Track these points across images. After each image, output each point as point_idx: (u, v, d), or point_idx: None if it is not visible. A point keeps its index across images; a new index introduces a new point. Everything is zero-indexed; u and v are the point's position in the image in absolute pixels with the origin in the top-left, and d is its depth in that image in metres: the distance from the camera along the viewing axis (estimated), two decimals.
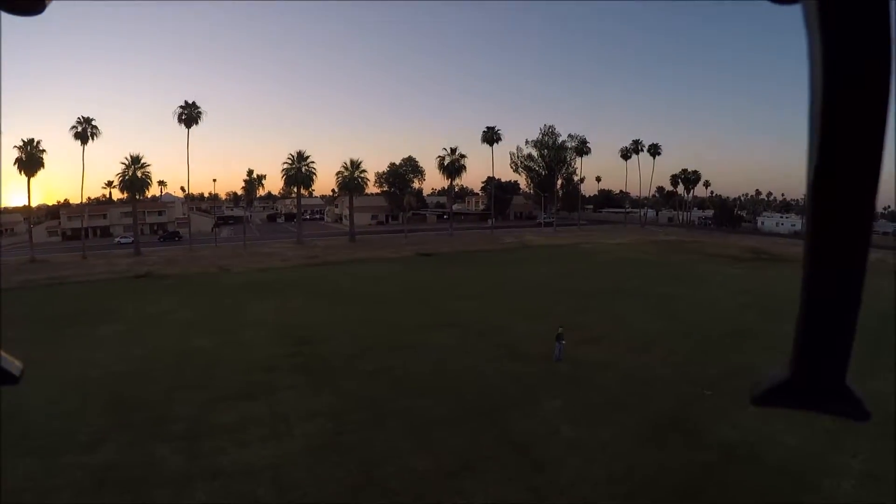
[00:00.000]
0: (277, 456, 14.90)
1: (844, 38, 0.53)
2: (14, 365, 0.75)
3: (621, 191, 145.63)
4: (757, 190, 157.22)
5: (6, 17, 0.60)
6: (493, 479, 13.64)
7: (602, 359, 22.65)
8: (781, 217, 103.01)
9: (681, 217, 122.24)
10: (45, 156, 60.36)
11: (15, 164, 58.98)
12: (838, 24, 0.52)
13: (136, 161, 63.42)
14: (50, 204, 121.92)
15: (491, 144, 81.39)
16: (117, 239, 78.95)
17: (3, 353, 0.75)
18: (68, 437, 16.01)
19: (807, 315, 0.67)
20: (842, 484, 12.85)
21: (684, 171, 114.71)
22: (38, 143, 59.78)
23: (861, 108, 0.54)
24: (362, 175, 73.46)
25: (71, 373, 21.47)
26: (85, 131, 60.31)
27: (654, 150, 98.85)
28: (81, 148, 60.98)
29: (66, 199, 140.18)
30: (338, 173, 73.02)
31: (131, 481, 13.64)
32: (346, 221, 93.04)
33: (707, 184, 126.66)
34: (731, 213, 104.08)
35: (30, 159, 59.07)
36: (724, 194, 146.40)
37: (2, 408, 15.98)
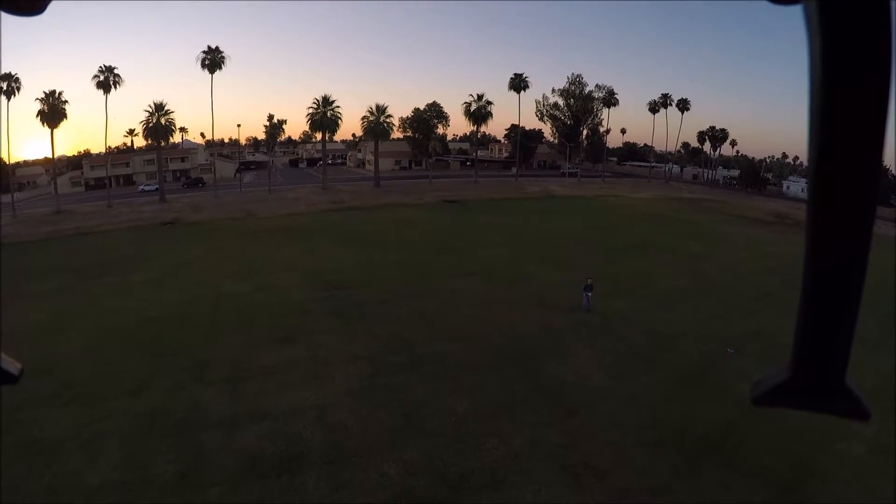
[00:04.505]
0: (320, 398, 15.41)
1: (844, 39, 0.53)
2: (13, 365, 0.76)
3: (646, 144, 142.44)
4: (784, 153, 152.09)
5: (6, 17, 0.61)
6: (529, 421, 14.31)
7: (629, 312, 22.96)
8: (807, 182, 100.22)
9: (706, 175, 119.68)
10: (66, 106, 59.63)
11: (37, 116, 58.35)
12: (838, 25, 0.53)
13: (159, 108, 62.64)
14: (69, 155, 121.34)
15: (518, 92, 79.10)
16: (141, 187, 78.48)
17: (3, 354, 0.76)
18: (111, 383, 16.19)
19: (806, 316, 0.69)
20: (853, 449, 13.29)
21: (712, 128, 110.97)
22: (60, 94, 58.94)
23: (861, 108, 0.55)
24: (388, 120, 72.15)
25: (107, 321, 21.69)
26: (107, 80, 59.07)
27: (683, 106, 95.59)
28: (104, 97, 59.72)
29: (86, 150, 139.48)
30: (363, 118, 71.78)
31: (180, 424, 13.99)
32: (368, 166, 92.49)
33: (734, 143, 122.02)
34: (756, 175, 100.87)
35: (52, 111, 58.42)
36: (751, 155, 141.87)
37: (39, 362, 16.61)
